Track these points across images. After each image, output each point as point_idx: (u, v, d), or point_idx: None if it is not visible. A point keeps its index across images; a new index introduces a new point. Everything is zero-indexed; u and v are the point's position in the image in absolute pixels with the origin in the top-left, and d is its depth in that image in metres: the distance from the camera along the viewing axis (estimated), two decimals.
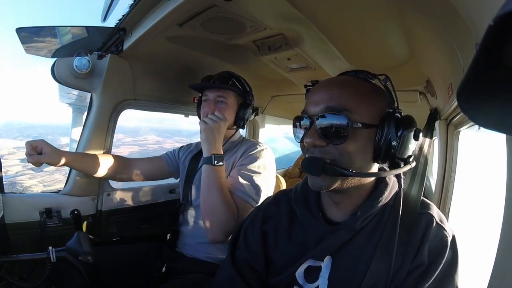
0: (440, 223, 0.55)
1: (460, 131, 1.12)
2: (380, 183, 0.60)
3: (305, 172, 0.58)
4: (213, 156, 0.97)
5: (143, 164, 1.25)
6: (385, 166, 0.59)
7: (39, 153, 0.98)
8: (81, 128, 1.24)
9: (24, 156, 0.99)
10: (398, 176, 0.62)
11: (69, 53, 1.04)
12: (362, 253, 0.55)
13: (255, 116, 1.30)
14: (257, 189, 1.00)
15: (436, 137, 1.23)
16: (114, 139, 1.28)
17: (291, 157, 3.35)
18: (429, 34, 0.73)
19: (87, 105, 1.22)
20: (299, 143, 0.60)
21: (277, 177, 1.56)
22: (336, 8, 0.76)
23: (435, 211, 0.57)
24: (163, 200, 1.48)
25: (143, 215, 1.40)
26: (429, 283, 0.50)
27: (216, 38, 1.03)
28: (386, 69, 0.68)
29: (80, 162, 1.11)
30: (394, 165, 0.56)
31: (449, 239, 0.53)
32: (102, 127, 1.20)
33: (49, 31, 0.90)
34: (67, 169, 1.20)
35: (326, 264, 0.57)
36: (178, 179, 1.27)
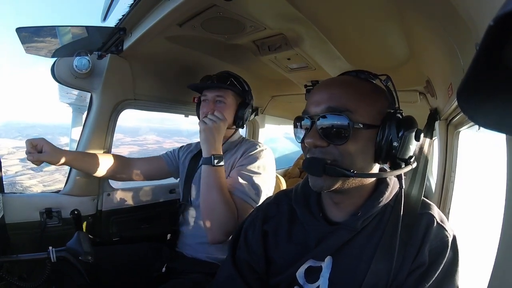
0: (441, 223, 0.55)
1: (460, 131, 1.12)
2: (381, 184, 0.60)
3: (306, 172, 0.57)
4: (212, 156, 0.97)
5: (143, 164, 1.25)
6: (386, 166, 0.59)
7: (40, 151, 0.98)
8: (81, 128, 1.24)
9: (23, 156, 0.99)
10: (399, 177, 0.62)
11: (69, 53, 1.04)
12: (363, 253, 0.55)
13: (255, 116, 1.30)
14: (257, 190, 1.00)
15: (436, 137, 1.23)
16: (114, 139, 1.28)
17: (291, 157, 3.35)
18: (429, 34, 0.73)
19: (87, 105, 1.22)
20: (299, 143, 0.59)
21: (277, 177, 1.56)
22: (336, 8, 0.76)
23: (435, 211, 0.57)
24: (163, 200, 1.48)
25: (143, 215, 1.40)
26: (429, 283, 0.50)
27: (216, 38, 1.03)
28: (386, 69, 0.68)
29: (80, 161, 1.11)
30: (395, 166, 0.56)
31: (450, 239, 0.53)
32: (102, 127, 1.20)
33: (49, 31, 0.90)
34: (66, 168, 1.20)
35: (326, 264, 0.57)
36: (178, 179, 1.27)
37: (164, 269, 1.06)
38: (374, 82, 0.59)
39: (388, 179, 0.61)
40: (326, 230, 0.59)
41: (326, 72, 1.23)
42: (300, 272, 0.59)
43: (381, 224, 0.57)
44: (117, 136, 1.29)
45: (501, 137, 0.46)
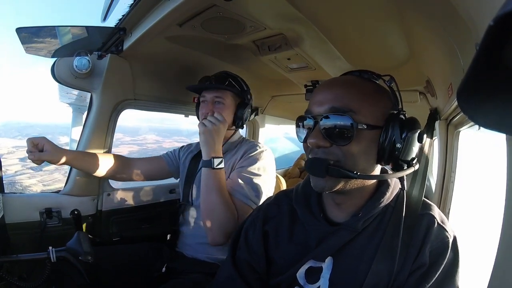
0: (441, 224, 0.55)
1: (460, 131, 1.12)
2: (382, 184, 0.60)
3: (309, 173, 0.57)
4: (212, 159, 0.97)
5: (143, 163, 1.25)
6: (387, 167, 0.59)
7: (41, 150, 0.98)
8: (81, 128, 1.24)
9: (23, 155, 0.99)
10: (400, 178, 0.61)
11: (69, 53, 1.04)
12: (363, 254, 0.55)
13: (254, 116, 1.30)
14: (257, 191, 0.99)
15: (436, 137, 1.23)
16: (113, 139, 1.28)
17: (291, 157, 3.35)
18: (429, 34, 0.73)
19: (87, 105, 1.22)
20: (302, 143, 0.59)
21: (277, 177, 1.56)
22: (336, 8, 0.76)
23: (436, 212, 0.57)
24: (163, 200, 1.48)
25: (143, 215, 1.40)
26: (430, 283, 0.50)
27: (216, 38, 1.03)
28: (386, 69, 0.68)
29: (81, 161, 1.11)
30: (397, 167, 0.55)
31: (450, 240, 0.53)
32: (102, 127, 1.20)
33: (49, 31, 0.90)
34: (66, 168, 1.20)
35: (327, 265, 0.57)
36: (178, 179, 1.27)
37: (164, 269, 1.06)
38: (377, 82, 0.59)
39: (389, 180, 0.60)
40: (327, 231, 0.59)
41: (326, 72, 1.23)
42: (300, 273, 0.59)
43: (382, 224, 0.57)
44: (116, 135, 1.29)
45: (501, 137, 0.46)
